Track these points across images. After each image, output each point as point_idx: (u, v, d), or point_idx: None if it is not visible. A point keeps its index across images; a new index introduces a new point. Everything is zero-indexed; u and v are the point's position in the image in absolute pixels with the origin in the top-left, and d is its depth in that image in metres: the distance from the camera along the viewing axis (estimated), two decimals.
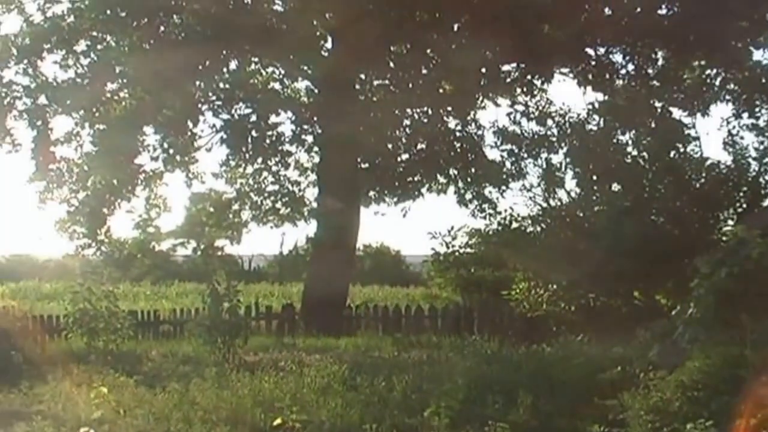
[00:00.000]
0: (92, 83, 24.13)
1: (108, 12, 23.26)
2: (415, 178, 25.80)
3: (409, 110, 25.64)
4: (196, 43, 22.85)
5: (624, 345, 16.03)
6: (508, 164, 25.58)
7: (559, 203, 24.52)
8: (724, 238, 20.90)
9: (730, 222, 22.62)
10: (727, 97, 24.75)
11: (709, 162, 23.42)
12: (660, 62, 25.35)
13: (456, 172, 26.00)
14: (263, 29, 23.89)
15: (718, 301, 13.22)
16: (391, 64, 25.38)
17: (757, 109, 24.52)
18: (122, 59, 23.71)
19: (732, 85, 24.72)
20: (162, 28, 23.79)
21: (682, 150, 24.25)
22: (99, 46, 24.05)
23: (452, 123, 25.88)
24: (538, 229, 24.18)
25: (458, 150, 25.61)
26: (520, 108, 25.92)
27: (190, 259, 51.99)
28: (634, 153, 24.76)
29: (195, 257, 49.87)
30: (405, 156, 25.87)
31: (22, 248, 57.56)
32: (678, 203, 22.78)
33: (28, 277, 46.53)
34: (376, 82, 26.20)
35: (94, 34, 23.90)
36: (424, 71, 25.16)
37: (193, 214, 29.22)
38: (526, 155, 25.39)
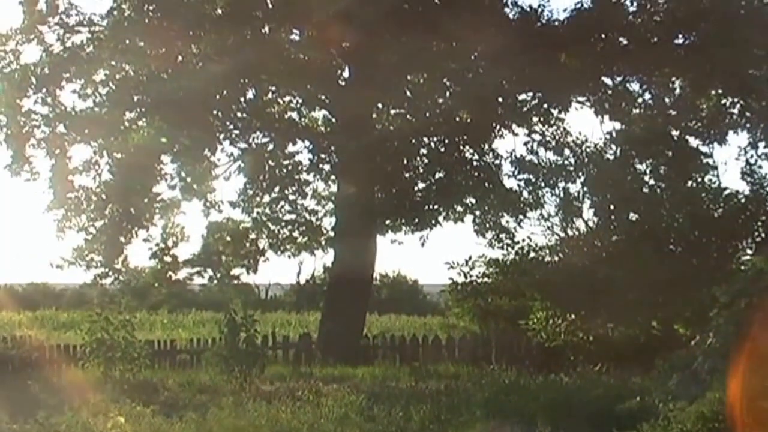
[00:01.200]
0: (110, 112, 24.25)
1: (127, 42, 23.41)
2: (432, 207, 25.72)
3: (426, 139, 25.59)
4: (213, 72, 22.95)
5: (643, 375, 15.96)
6: (525, 194, 25.45)
7: (576, 233, 24.47)
8: (742, 268, 20.83)
9: (749, 251, 22.53)
10: (745, 126, 24.67)
11: (726, 191, 23.39)
12: (677, 91, 25.33)
13: (473, 202, 25.91)
14: (281, 59, 24.02)
15: (738, 331, 13.11)
16: (408, 93, 25.40)
17: None
18: (140, 88, 23.81)
19: (749, 114, 24.63)
20: (180, 58, 23.91)
21: (699, 179, 24.23)
22: (117, 76, 24.18)
23: (469, 152, 25.78)
24: (556, 258, 24.12)
25: (475, 179, 25.51)
26: (537, 137, 25.84)
27: (206, 288, 52.12)
28: (652, 182, 24.75)
29: (212, 286, 49.97)
30: (422, 185, 25.79)
31: (39, 277, 57.89)
32: (696, 233, 22.71)
33: (45, 306, 46.71)
34: (393, 111, 26.22)
35: (113, 63, 24.05)
36: (441, 100, 25.15)
37: (210, 243, 29.20)
38: (543, 184, 25.26)
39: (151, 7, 23.33)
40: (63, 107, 24.44)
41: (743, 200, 23.15)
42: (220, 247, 29.07)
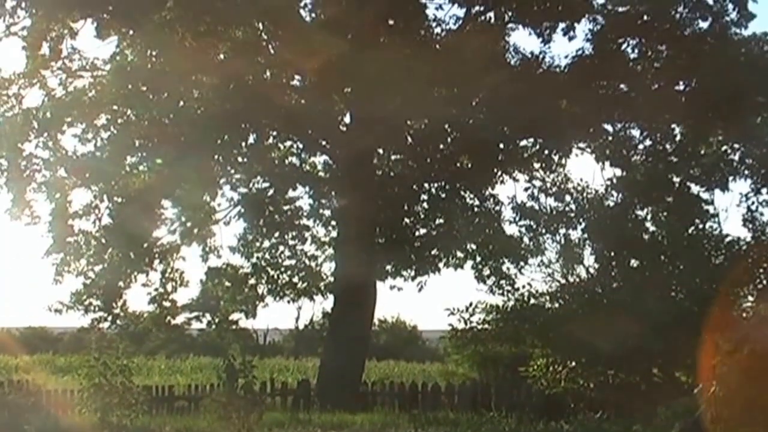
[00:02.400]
0: (112, 156, 24.24)
1: (129, 86, 23.45)
2: (433, 253, 25.70)
3: (426, 185, 25.60)
4: (215, 117, 22.99)
5: (645, 423, 15.83)
6: (526, 240, 25.47)
7: (577, 279, 24.41)
8: (744, 315, 20.77)
9: (750, 298, 22.45)
10: (746, 172, 24.70)
11: (728, 238, 23.36)
12: (678, 137, 25.41)
13: (474, 248, 25.89)
14: (282, 104, 24.09)
15: (740, 379, 13.03)
16: (409, 139, 25.44)
17: None
18: (142, 133, 23.84)
19: (750, 161, 24.68)
20: (182, 103, 23.94)
21: (701, 226, 24.20)
22: (119, 120, 24.19)
23: (470, 198, 25.79)
24: (557, 305, 24.02)
25: (476, 225, 25.50)
26: (538, 183, 25.90)
27: (204, 333, 51.88)
28: (653, 229, 24.73)
29: (210, 331, 49.70)
30: (422, 231, 25.80)
31: (37, 321, 57.68)
32: (697, 280, 22.61)
33: (42, 351, 46.49)
34: (393, 157, 26.25)
35: (115, 107, 24.05)
36: (442, 146, 25.20)
37: (209, 288, 29.04)
38: (544, 231, 25.26)
39: (153, 52, 23.42)
40: (64, 151, 24.43)
41: (745, 247, 23.11)
42: (219, 293, 28.90)
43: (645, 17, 24.43)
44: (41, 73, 24.30)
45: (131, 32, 23.59)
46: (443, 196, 25.66)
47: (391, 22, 23.75)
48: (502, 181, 26.15)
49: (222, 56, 23.83)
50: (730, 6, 23.99)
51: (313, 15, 24.88)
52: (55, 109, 24.00)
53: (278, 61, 24.23)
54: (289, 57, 23.76)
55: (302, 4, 24.20)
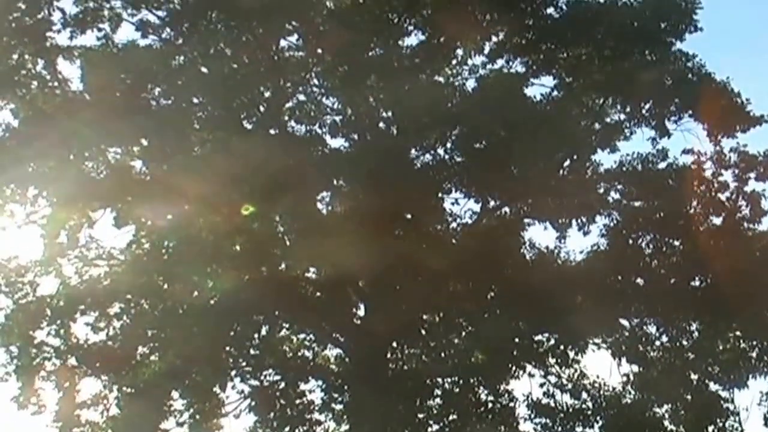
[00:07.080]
0: (123, 346, 24.09)
1: (144, 276, 23.50)
2: None
3: (440, 380, 25.29)
4: (228, 308, 22.94)
5: None
6: None
7: None
8: None
9: None
10: (765, 369, 24.40)
11: None
12: (695, 334, 25.22)
13: None
14: (296, 296, 24.07)
15: None
16: (423, 333, 25.29)
17: None
18: (155, 324, 23.74)
19: None
20: (195, 293, 23.93)
21: (720, 425, 23.81)
22: (132, 310, 24.14)
23: (484, 394, 25.40)
24: None
25: (490, 422, 25.00)
26: (554, 379, 25.57)
27: None
28: (672, 427, 24.30)
29: None
30: (436, 426, 25.30)
31: None
32: None
33: None
34: (407, 351, 26.02)
35: (129, 297, 24.04)
36: (456, 340, 25.03)
37: None
38: (560, 428, 24.81)
39: (170, 244, 23.55)
40: (76, 340, 24.30)
41: None
42: None
43: (660, 213, 24.66)
44: (58, 261, 24.42)
45: (149, 222, 23.78)
46: (457, 391, 25.31)
47: (408, 216, 23.94)
48: (516, 377, 25.81)
49: (238, 248, 23.92)
50: (744, 203, 24.27)
51: (330, 207, 25.15)
52: (69, 297, 24.01)
53: (293, 253, 24.31)
54: (305, 249, 23.87)
55: (319, 197, 24.44)
